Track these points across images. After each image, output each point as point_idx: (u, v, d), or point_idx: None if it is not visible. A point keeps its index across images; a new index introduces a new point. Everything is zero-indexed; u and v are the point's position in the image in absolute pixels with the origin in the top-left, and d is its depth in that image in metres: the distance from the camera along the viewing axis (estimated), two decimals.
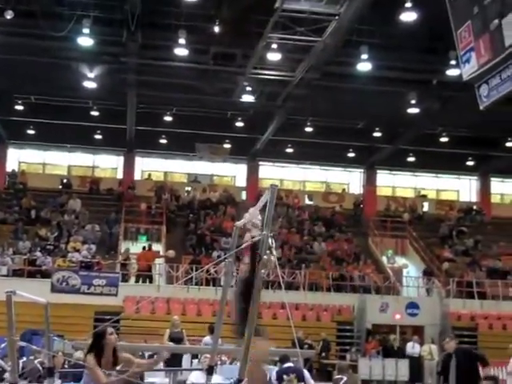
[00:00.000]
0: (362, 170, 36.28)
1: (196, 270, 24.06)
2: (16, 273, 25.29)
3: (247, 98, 26.85)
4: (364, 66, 22.93)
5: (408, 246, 32.41)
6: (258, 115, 28.88)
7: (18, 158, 34.54)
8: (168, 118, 30.38)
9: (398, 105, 26.45)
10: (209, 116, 29.75)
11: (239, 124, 30.62)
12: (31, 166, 34.65)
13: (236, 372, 5.92)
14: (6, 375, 10.24)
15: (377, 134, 31.45)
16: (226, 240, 28.11)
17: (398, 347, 24.30)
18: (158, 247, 28.46)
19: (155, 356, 8.54)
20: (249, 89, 26.09)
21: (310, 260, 28.69)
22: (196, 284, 24.91)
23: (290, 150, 33.74)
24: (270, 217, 5.83)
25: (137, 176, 34.81)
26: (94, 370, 7.24)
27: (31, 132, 32.46)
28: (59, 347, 12.54)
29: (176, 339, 16.96)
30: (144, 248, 27.05)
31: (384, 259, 30.92)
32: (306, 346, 20.48)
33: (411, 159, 34.54)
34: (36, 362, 10.94)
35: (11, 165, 34.02)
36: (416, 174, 36.85)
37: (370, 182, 36.06)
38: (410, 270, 30.61)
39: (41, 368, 10.34)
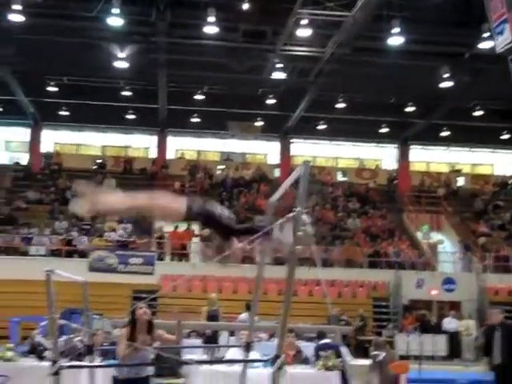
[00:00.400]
0: (396, 146, 35.98)
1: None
2: (54, 253, 25.61)
3: (278, 75, 26.73)
4: (395, 40, 22.66)
5: (443, 222, 32.12)
6: (289, 92, 28.74)
7: (53, 139, 34.83)
8: (199, 97, 30.40)
9: (431, 79, 26.13)
10: (240, 94, 29.71)
11: (271, 101, 30.53)
12: (65, 147, 34.94)
13: (273, 349, 5.93)
14: (47, 353, 10.41)
15: (409, 109, 31.17)
16: (260, 217, 28.12)
17: (435, 323, 24.25)
18: (193, 226, 28.56)
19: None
20: (279, 66, 25.96)
21: (345, 237, 28.63)
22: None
23: (322, 127, 33.57)
24: (303, 194, 5.81)
25: (170, 155, 34.92)
26: (119, 340, 7.47)
27: (65, 113, 32.70)
28: (98, 325, 12.67)
29: (213, 317, 17.13)
30: (176, 227, 27.18)
31: (419, 235, 30.71)
32: (343, 323, 20.52)
33: (445, 134, 34.18)
34: (76, 340, 11.09)
35: (46, 146, 34.34)
36: (450, 148, 36.44)
37: (403, 157, 35.77)
38: (446, 245, 30.40)
39: (81, 346, 10.47)
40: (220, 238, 6.02)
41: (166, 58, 25.68)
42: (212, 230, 6.09)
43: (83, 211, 5.57)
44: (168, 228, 28.28)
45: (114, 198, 5.73)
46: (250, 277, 23.65)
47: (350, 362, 12.26)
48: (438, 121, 31.73)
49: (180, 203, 5.79)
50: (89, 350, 8.10)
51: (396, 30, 22.07)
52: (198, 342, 16.80)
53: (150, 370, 8.41)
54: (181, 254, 26.60)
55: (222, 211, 5.92)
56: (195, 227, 28.08)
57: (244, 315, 15.91)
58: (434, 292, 25.57)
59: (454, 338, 21.74)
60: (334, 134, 34.06)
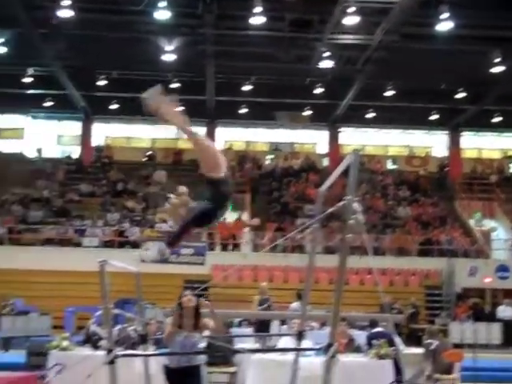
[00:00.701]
0: (446, 133, 35.51)
1: (281, 238, 24.16)
2: (106, 244, 26.01)
3: (326, 64, 26.61)
4: (444, 25, 22.33)
5: (496, 208, 31.63)
6: (337, 81, 28.59)
7: (104, 132, 35.31)
8: (247, 88, 30.44)
9: (482, 64, 25.69)
10: (288, 84, 29.65)
11: (319, 90, 30.38)
12: (116, 140, 35.38)
13: (325, 337, 5.93)
14: (102, 342, 10.59)
15: (460, 95, 30.68)
16: (309, 207, 28.12)
17: (489, 311, 23.96)
18: (242, 216, 28.69)
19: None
20: (327, 54, 25.83)
21: (396, 225, 28.43)
22: (282, 251, 25.03)
23: (370, 115, 33.30)
24: (353, 182, 5.80)
25: (219, 146, 35.04)
26: (165, 327, 7.64)
27: (115, 106, 33.09)
28: (151, 315, 12.85)
29: (263, 307, 17.17)
30: (225, 219, 27.38)
31: (471, 222, 30.32)
32: (395, 311, 20.41)
33: (497, 119, 33.55)
34: (130, 329, 11.25)
35: (97, 139, 34.81)
36: (502, 134, 35.82)
37: (454, 144, 35.29)
38: (499, 232, 29.95)
39: (134, 335, 10.63)
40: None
41: (214, 50, 25.78)
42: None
43: (151, 103, 5.96)
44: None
45: (178, 116, 6.10)
46: (300, 266, 23.70)
47: (403, 351, 12.19)
48: (490, 106, 31.23)
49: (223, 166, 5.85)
50: (143, 339, 8.21)
51: (445, 15, 21.76)
52: (249, 330, 16.89)
53: (202, 359, 8.49)
54: (232, 244, 26.75)
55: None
56: (245, 217, 28.27)
57: (295, 304, 15.95)
58: (487, 280, 25.24)
59: (509, 326, 21.41)
60: (383, 121, 33.77)
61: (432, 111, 33.14)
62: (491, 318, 22.22)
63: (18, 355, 13.54)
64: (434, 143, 36.30)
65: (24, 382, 8.30)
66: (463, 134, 35.47)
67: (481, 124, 33.75)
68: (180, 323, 8.17)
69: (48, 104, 32.66)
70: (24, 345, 12.45)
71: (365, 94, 29.24)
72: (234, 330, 16.40)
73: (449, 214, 30.29)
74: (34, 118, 34.88)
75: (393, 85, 29.61)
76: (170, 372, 8.33)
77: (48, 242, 26.08)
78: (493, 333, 17.23)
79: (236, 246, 26.68)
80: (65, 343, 10.63)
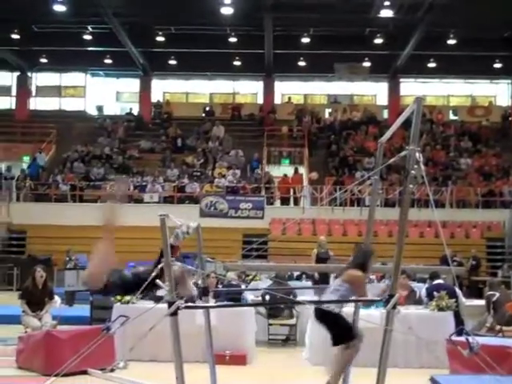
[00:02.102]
0: (510, 81, 34.58)
1: (339, 191, 24.07)
2: (166, 200, 26.32)
3: (386, 13, 26.09)
4: None
5: None
6: (397, 30, 28.04)
7: (162, 88, 35.49)
8: (305, 40, 30.13)
9: None
10: (347, 35, 29.24)
11: (378, 41, 29.86)
12: (175, 96, 35.55)
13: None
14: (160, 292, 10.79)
15: None
16: (368, 160, 27.89)
17: None
18: (301, 170, 28.68)
19: None
20: (387, 3, 25.30)
21: (457, 176, 27.97)
22: (340, 205, 24.94)
23: (432, 65, 32.62)
24: (416, 131, 5.69)
25: (277, 100, 34.91)
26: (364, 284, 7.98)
27: (173, 62, 33.20)
28: (211, 269, 13.00)
29: (323, 259, 17.22)
30: (285, 175, 27.49)
31: None
32: (455, 263, 20.18)
33: None
34: (191, 282, 11.41)
35: (156, 96, 35.02)
36: None
37: None
38: None
39: (195, 288, 10.77)
40: None
41: (271, 2, 25.51)
42: None
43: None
44: (277, 172, 28.55)
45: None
46: (359, 219, 23.64)
47: (464, 303, 12.10)
48: None
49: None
50: (204, 292, 8.30)
51: None
52: (309, 284, 16.97)
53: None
54: (290, 198, 26.81)
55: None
56: (303, 171, 28.21)
57: None
58: None
59: None
60: (444, 71, 33.02)
61: (495, 59, 32.26)
62: None
63: (82, 309, 13.90)
64: (497, 92, 35.46)
65: (88, 335, 8.51)
66: None
67: None
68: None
69: (107, 61, 32.95)
70: (88, 299, 12.74)
71: (426, 43, 28.59)
72: (294, 283, 16.47)
73: None
74: (93, 75, 35.25)
75: (455, 33, 28.90)
76: None
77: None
78: None
79: (295, 200, 26.70)
80: (127, 297, 10.84)
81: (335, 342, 7.99)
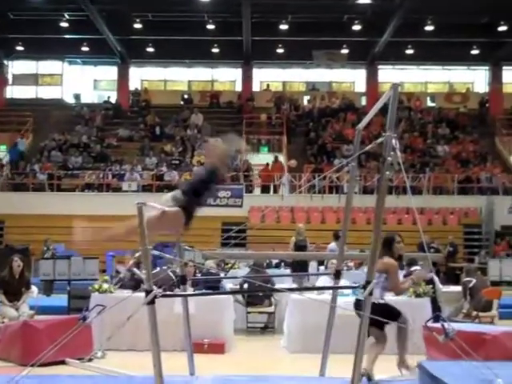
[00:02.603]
0: (487, 68, 34.72)
1: (318, 178, 24.09)
2: (145, 188, 26.24)
3: (364, 0, 26.06)
4: None
5: None
6: (375, 17, 28.09)
7: (140, 76, 35.30)
8: (284, 27, 30.09)
9: None
10: (325, 21, 29.26)
11: (356, 27, 29.90)
12: (153, 84, 35.38)
13: (362, 277, 5.95)
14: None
15: (502, 28, 29.86)
16: (347, 147, 27.94)
17: None
18: (279, 157, 28.65)
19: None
20: None
21: (434, 163, 28.11)
22: (319, 192, 24.98)
23: (409, 52, 32.69)
24: (392, 117, 5.71)
25: (255, 87, 34.85)
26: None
27: (151, 50, 33.02)
28: (190, 257, 12.99)
29: (301, 247, 17.24)
30: (267, 164, 27.49)
31: None
32: (432, 250, 20.31)
33: None
34: (169, 271, 11.41)
35: (134, 83, 34.82)
36: None
37: (495, 79, 34.48)
38: None
39: (174, 277, 10.78)
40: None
41: None
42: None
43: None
44: (256, 160, 28.51)
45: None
46: (337, 206, 23.71)
47: (441, 289, 12.19)
48: None
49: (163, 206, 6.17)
50: (182, 280, 8.32)
51: None
52: (287, 272, 17.01)
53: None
54: (268, 186, 26.82)
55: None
56: (282, 159, 28.21)
57: (332, 245, 15.93)
58: None
59: None
60: (422, 58, 33.11)
61: (473, 46, 32.39)
62: None
63: (59, 299, 13.85)
64: (474, 79, 35.61)
65: (65, 325, 8.47)
66: (505, 68, 34.59)
67: None
68: None
69: (84, 49, 32.70)
70: (65, 289, 12.71)
71: (404, 30, 28.61)
72: (272, 271, 16.51)
73: (489, 151, 29.85)
74: (70, 63, 34.96)
75: (432, 19, 28.98)
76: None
77: (87, 187, 26.41)
78: None
79: (274, 188, 26.71)
80: (105, 286, 10.84)
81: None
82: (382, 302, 7.98)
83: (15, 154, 28.87)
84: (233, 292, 12.56)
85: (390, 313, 8.01)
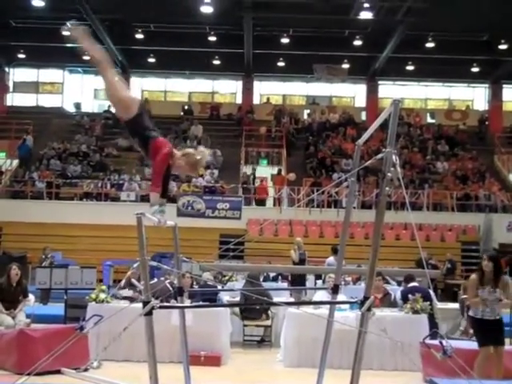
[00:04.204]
0: (487, 86, 34.86)
1: (317, 192, 24.10)
2: (144, 198, 26.15)
3: (365, 15, 26.20)
4: None
5: None
6: (376, 32, 28.17)
7: (141, 86, 35.37)
8: (285, 40, 30.18)
9: None
10: (326, 36, 29.33)
11: (357, 43, 30.01)
12: (153, 94, 35.44)
13: (360, 292, 5.93)
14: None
15: (503, 47, 29.96)
16: (346, 161, 27.96)
17: None
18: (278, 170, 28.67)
19: None
20: (366, 5, 25.40)
21: (433, 180, 28.14)
22: (318, 206, 24.99)
23: (410, 68, 32.82)
24: (393, 133, 5.70)
25: (256, 100, 34.93)
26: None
27: (152, 60, 33.11)
28: (187, 268, 12.95)
29: (300, 260, 17.23)
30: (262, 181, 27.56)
31: (511, 177, 29.90)
32: (430, 267, 20.31)
33: None
34: (166, 282, 11.38)
35: (134, 93, 34.79)
36: None
37: (495, 97, 34.62)
38: None
39: (171, 288, 10.75)
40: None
41: (252, 1, 25.51)
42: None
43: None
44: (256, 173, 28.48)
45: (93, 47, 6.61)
46: (336, 221, 23.71)
47: (438, 306, 12.17)
48: None
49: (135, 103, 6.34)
50: (179, 292, 8.28)
51: None
52: (285, 285, 16.99)
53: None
54: (267, 199, 26.86)
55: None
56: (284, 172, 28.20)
57: (331, 259, 15.94)
58: None
59: None
60: (422, 74, 33.24)
61: (473, 63, 32.52)
62: None
63: (56, 308, 13.81)
64: (474, 96, 35.73)
65: (62, 334, 8.45)
66: (505, 86, 34.74)
67: None
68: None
69: (85, 58, 32.60)
70: (62, 298, 12.67)
71: (404, 46, 28.76)
72: (270, 284, 16.48)
73: (488, 169, 29.86)
74: (71, 72, 35.05)
75: (433, 36, 29.08)
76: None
77: (86, 196, 26.39)
78: None
79: (274, 201, 26.72)
80: (102, 295, 10.81)
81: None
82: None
83: (24, 150, 29.19)
84: (230, 305, 12.52)
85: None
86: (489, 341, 8.60)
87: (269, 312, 12.46)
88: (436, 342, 6.87)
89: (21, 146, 29.46)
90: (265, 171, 28.83)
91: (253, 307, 12.44)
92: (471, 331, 11.70)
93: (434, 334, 7.81)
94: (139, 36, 30.37)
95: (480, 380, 6.36)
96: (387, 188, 5.64)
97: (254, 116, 33.18)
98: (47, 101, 34.85)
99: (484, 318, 8.57)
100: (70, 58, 32.51)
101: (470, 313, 8.82)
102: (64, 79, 35.10)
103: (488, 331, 8.56)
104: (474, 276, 8.84)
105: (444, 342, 6.04)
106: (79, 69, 34.79)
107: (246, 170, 28.77)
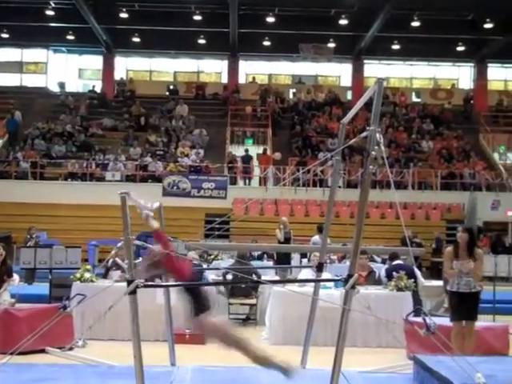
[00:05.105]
0: (472, 65, 34.88)
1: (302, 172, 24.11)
2: (129, 178, 26.14)
3: None
4: None
5: None
6: (362, 11, 28.09)
7: (126, 66, 35.15)
8: (271, 19, 30.02)
9: None
10: (312, 15, 29.22)
11: (343, 22, 29.90)
12: (138, 74, 35.25)
13: (345, 270, 5.96)
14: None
15: (488, 26, 29.94)
16: (332, 141, 27.96)
17: (510, 244, 23.91)
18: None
19: None
20: None
21: (419, 158, 28.22)
22: (303, 185, 25.01)
23: (396, 47, 32.77)
24: (377, 112, 5.71)
25: (241, 80, 34.80)
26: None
27: (137, 40, 32.87)
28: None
29: (285, 239, 17.28)
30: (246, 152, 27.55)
31: (496, 156, 30.04)
32: (415, 245, 20.42)
33: None
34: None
35: (119, 73, 34.67)
36: None
37: (480, 76, 34.66)
38: None
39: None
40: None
41: None
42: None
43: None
44: (241, 152, 28.44)
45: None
46: (321, 200, 23.76)
47: (423, 283, 12.24)
48: None
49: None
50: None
51: None
52: (270, 263, 17.04)
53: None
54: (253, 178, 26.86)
55: None
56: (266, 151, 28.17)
57: (316, 237, 15.98)
58: (509, 213, 25.13)
59: None
60: (408, 53, 33.19)
61: (458, 42, 32.51)
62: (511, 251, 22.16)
63: (41, 287, 13.77)
64: (459, 75, 35.75)
65: (46, 313, 8.43)
66: (490, 65, 34.79)
67: (508, 55, 32.94)
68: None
69: (69, 38, 32.48)
70: (47, 277, 12.64)
71: (390, 25, 28.69)
72: (255, 263, 16.52)
73: (473, 148, 29.97)
74: (55, 51, 34.76)
75: (419, 15, 29.02)
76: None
77: (71, 176, 26.29)
78: None
79: (259, 181, 26.74)
80: (87, 275, 10.80)
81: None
82: None
83: (13, 124, 29.30)
84: (215, 283, 12.53)
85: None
86: (461, 316, 8.67)
87: (254, 291, 12.48)
88: (419, 319, 6.91)
89: (9, 121, 29.44)
90: (250, 150, 28.77)
91: (242, 286, 12.46)
92: None
93: (417, 311, 7.84)
94: (124, 15, 30.10)
95: (462, 356, 6.41)
96: (371, 166, 5.67)
97: (240, 95, 33.08)
98: (31, 81, 34.56)
99: (460, 291, 8.63)
100: (54, 38, 32.40)
101: (448, 286, 8.91)
102: (48, 59, 34.79)
103: (461, 305, 8.62)
104: (449, 248, 8.98)
105: (427, 319, 6.08)
106: (63, 48, 34.53)
107: (232, 149, 28.72)
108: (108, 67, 34.32)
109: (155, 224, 6.45)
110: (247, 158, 27.41)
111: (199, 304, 6.30)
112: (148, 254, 6.46)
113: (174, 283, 9.81)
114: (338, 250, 15.98)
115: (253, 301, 12.43)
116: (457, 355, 6.43)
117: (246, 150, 27.82)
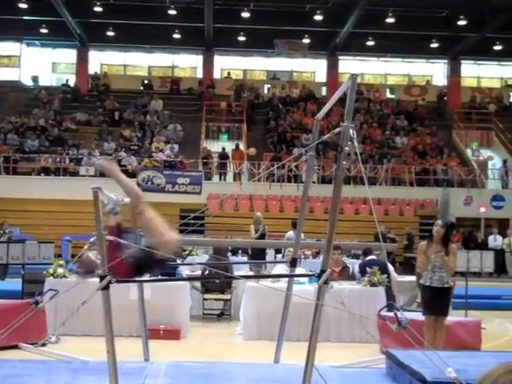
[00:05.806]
0: (446, 61, 35.14)
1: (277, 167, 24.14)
2: (102, 173, 25.94)
3: None
4: None
5: (494, 138, 31.55)
6: (337, 7, 28.15)
7: (100, 60, 34.94)
8: (246, 15, 30.00)
9: None
10: (287, 11, 29.25)
11: (318, 18, 29.96)
12: (113, 68, 35.04)
13: (319, 266, 5.99)
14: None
15: (461, 23, 30.18)
16: (306, 136, 28.03)
17: (482, 240, 24.14)
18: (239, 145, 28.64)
19: None
20: None
21: (392, 154, 28.38)
22: (278, 181, 25.05)
23: (370, 43, 32.90)
24: (350, 107, 5.74)
25: (216, 75, 34.75)
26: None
27: (111, 34, 32.66)
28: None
29: (260, 235, 17.29)
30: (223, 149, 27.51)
31: (469, 152, 30.30)
32: (388, 240, 20.57)
33: (498, 48, 33.10)
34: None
35: (93, 67, 34.45)
36: (502, 63, 35.45)
37: (454, 73, 34.94)
38: (496, 162, 29.88)
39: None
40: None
41: None
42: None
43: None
44: (216, 147, 28.41)
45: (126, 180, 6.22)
46: (296, 195, 23.81)
47: (396, 279, 12.34)
48: (491, 34, 30.74)
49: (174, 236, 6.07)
50: None
51: None
52: (244, 259, 17.05)
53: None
54: (228, 173, 26.83)
55: None
56: (241, 147, 28.17)
57: (290, 233, 16.02)
58: (482, 209, 25.39)
59: (499, 255, 21.65)
60: (382, 50, 33.37)
61: (432, 39, 32.71)
62: (484, 246, 22.40)
63: (13, 283, 13.69)
64: (433, 72, 36.01)
65: (18, 309, 8.37)
66: (463, 62, 35.08)
67: (481, 52, 33.27)
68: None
69: (43, 31, 32.20)
70: (20, 273, 12.55)
71: (365, 21, 28.80)
72: (230, 258, 16.52)
73: (446, 144, 30.21)
74: (28, 45, 34.45)
75: (393, 12, 29.15)
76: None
77: (44, 171, 26.08)
78: (486, 261, 17.43)
79: (233, 176, 26.72)
80: (60, 270, 10.74)
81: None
82: None
83: None
84: (189, 278, 12.54)
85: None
86: (431, 310, 8.78)
87: (229, 286, 12.50)
88: (391, 314, 6.96)
89: None
90: (225, 146, 28.76)
91: (216, 281, 12.47)
92: None
93: (390, 306, 7.89)
94: (98, 9, 29.89)
95: (434, 350, 6.48)
96: (345, 162, 5.70)
97: (215, 91, 33.04)
98: (4, 74, 34.19)
99: (432, 286, 8.73)
100: (27, 31, 32.07)
101: (421, 281, 9.03)
102: (21, 52, 34.47)
103: (433, 300, 8.72)
104: (423, 243, 9.11)
105: (399, 314, 6.13)
106: (37, 42, 34.23)
107: (206, 145, 28.68)
108: (82, 61, 34.09)
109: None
110: (224, 157, 27.41)
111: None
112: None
113: (147, 279, 9.81)
114: (312, 245, 16.02)
115: (227, 296, 12.45)
116: (428, 350, 6.50)
117: (223, 149, 27.80)
